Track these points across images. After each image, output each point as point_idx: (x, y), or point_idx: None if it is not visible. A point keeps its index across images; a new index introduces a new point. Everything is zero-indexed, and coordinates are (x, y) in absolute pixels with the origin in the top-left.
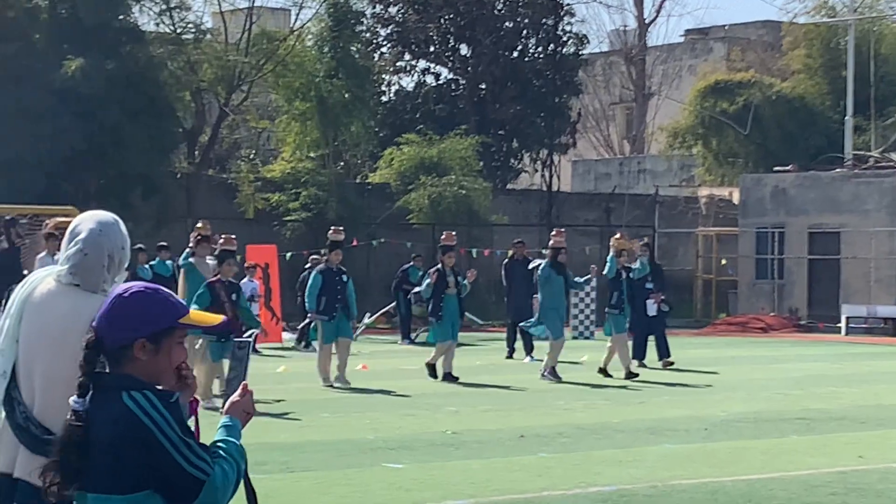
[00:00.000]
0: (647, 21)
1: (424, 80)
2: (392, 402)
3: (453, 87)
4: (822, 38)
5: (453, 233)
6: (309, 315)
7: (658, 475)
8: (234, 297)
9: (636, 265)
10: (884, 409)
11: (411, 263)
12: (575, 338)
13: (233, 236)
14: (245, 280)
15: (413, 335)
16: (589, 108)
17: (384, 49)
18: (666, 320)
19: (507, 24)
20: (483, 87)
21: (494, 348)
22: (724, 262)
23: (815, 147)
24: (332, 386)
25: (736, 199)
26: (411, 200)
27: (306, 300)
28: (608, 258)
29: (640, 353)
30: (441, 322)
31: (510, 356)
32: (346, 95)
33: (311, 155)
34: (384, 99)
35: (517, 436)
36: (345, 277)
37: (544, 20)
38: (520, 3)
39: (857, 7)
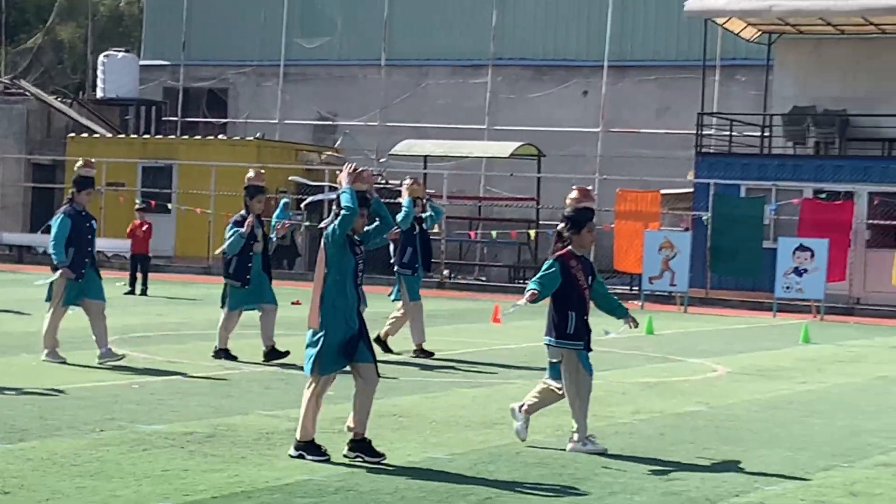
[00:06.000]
0: None
1: None
2: None
3: None
4: None
5: (262, 171)
6: (59, 270)
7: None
8: None
9: (428, 213)
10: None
11: None
12: None
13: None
14: None
15: None
16: None
17: None
18: None
19: None
20: None
21: None
22: None
23: None
24: (62, 361)
25: None
26: None
27: (51, 251)
28: (404, 206)
29: None
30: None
31: None
32: None
33: None
34: None
35: None
36: (94, 223)
37: None
38: None
39: None
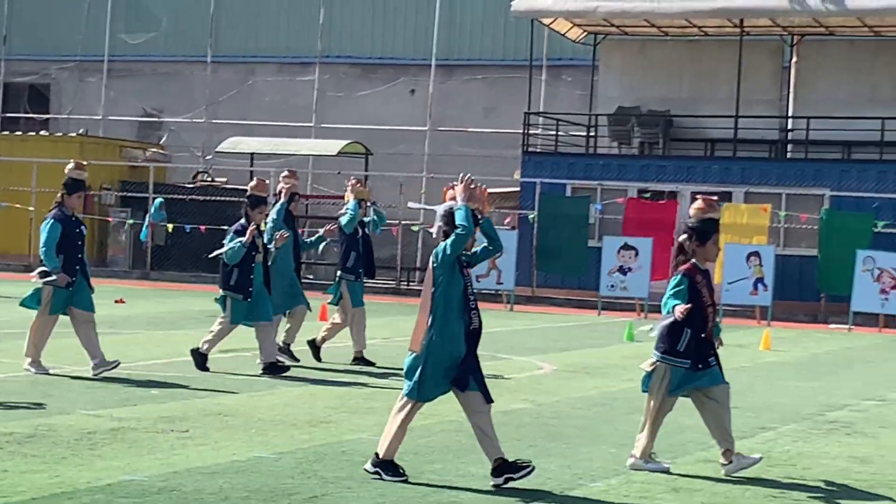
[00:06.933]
0: None
1: None
2: None
3: None
4: None
5: (266, 180)
6: (43, 277)
7: None
8: None
9: (371, 217)
10: None
11: None
12: None
13: None
14: None
15: None
16: None
17: None
18: None
19: None
20: None
21: None
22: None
23: None
24: (45, 372)
25: None
26: None
27: (43, 257)
28: (349, 208)
29: None
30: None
31: None
32: None
33: None
34: None
35: None
36: (84, 229)
37: None
38: None
39: None
